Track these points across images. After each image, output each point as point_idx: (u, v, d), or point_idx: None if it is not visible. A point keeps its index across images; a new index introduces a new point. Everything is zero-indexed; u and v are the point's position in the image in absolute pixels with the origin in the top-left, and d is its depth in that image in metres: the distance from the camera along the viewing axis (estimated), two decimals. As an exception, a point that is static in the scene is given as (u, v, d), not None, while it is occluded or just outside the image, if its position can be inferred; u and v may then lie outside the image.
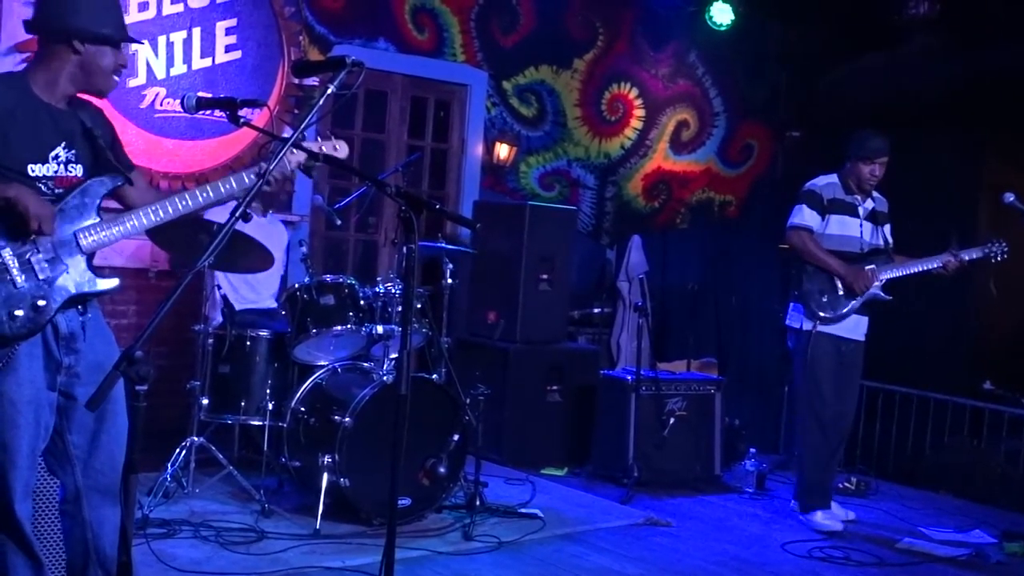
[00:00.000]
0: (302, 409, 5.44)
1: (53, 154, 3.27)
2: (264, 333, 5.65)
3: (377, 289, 5.59)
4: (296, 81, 6.66)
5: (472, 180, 7.86)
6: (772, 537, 5.74)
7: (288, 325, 5.53)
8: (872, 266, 5.87)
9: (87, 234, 3.28)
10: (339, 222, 6.28)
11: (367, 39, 7.18)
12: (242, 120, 3.35)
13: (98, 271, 3.34)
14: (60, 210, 3.24)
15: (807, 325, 5.83)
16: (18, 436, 3.20)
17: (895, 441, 7.46)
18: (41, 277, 3.20)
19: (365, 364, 5.62)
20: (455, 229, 7.49)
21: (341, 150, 3.67)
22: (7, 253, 3.15)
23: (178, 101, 3.48)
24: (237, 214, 2.92)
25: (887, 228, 6.06)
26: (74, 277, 3.26)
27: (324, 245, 7.40)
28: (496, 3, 7.78)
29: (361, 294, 5.55)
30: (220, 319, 5.69)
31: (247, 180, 3.44)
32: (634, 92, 8.59)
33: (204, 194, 3.39)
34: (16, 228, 3.15)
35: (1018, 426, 6.99)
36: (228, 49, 6.48)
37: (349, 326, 5.46)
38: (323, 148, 3.59)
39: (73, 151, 3.32)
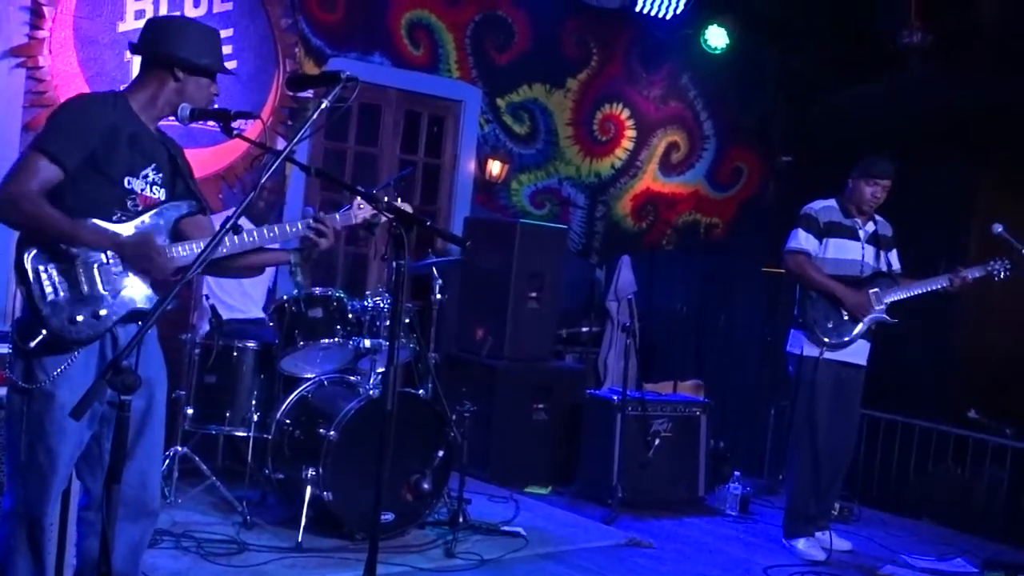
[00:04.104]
0: (287, 421, 5.42)
1: (143, 173, 3.41)
2: (251, 344, 5.64)
3: (366, 303, 5.59)
4: (290, 93, 6.67)
5: (464, 196, 7.87)
6: (755, 561, 5.73)
7: (275, 336, 5.52)
8: (876, 289, 5.86)
9: None
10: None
11: (363, 53, 7.19)
12: (235, 131, 3.40)
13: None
14: (135, 227, 3.36)
15: (809, 351, 5.80)
16: (64, 442, 3.26)
17: (879, 467, 7.46)
18: (106, 289, 3.29)
19: (352, 378, 5.61)
20: (445, 243, 7.49)
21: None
22: (79, 261, 3.25)
23: (171, 110, 3.53)
24: (228, 226, 2.94)
25: (894, 253, 6.03)
26: (137, 293, 3.35)
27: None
28: (491, 21, 7.81)
29: (350, 307, 5.55)
30: (207, 328, 5.67)
31: (355, 219, 3.67)
32: (626, 113, 8.62)
33: (271, 233, 3.50)
34: None
35: (1001, 455, 7.01)
36: (224, 59, 6.47)
37: (336, 339, 5.45)
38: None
39: (160, 174, 3.46)
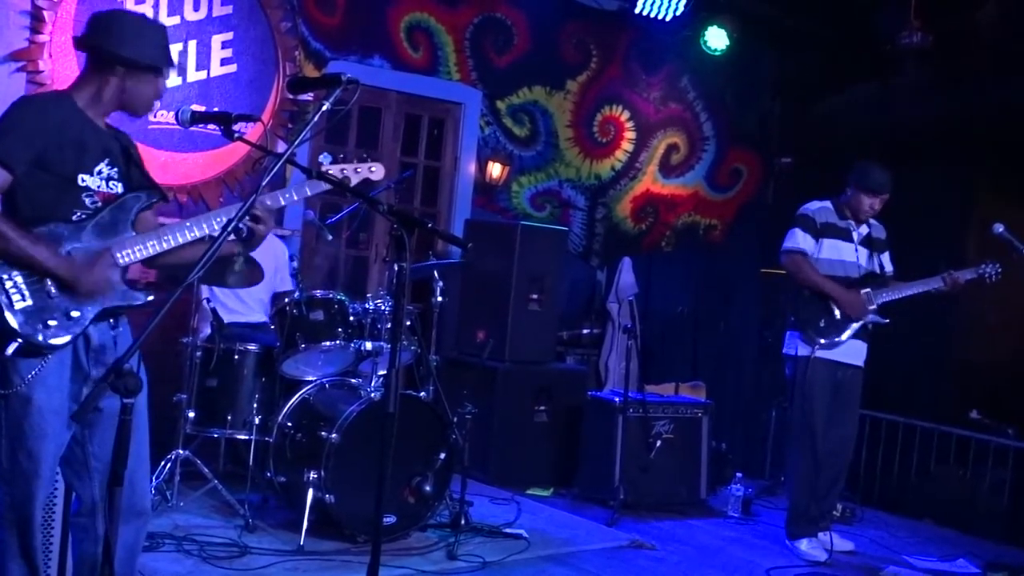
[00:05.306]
0: (289, 424, 5.42)
1: (97, 169, 3.37)
2: (252, 347, 5.64)
3: (367, 305, 5.59)
4: (291, 96, 6.67)
5: (464, 198, 7.88)
6: (757, 562, 5.72)
7: (277, 339, 5.52)
8: (868, 290, 5.88)
9: (122, 248, 3.33)
10: (330, 237, 6.28)
11: (362, 56, 7.19)
12: (236, 135, 3.39)
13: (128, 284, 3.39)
14: (96, 223, 3.32)
15: (803, 351, 5.82)
16: (44, 445, 3.23)
17: (881, 468, 7.45)
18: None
19: (353, 380, 5.61)
20: (446, 245, 7.49)
21: (377, 171, 3.68)
22: None
23: (172, 114, 3.51)
24: (228, 229, 2.93)
25: (886, 255, 6.06)
26: (107, 288, 3.30)
27: (315, 260, 7.38)
28: (491, 23, 7.81)
29: (351, 310, 5.55)
30: (208, 331, 5.67)
31: (283, 200, 3.59)
32: (626, 115, 8.62)
33: (208, 222, 3.41)
34: None
35: (1004, 456, 7.00)
36: (224, 62, 6.49)
37: (338, 342, 5.46)
38: (358, 169, 3.62)
39: (115, 168, 3.42)
